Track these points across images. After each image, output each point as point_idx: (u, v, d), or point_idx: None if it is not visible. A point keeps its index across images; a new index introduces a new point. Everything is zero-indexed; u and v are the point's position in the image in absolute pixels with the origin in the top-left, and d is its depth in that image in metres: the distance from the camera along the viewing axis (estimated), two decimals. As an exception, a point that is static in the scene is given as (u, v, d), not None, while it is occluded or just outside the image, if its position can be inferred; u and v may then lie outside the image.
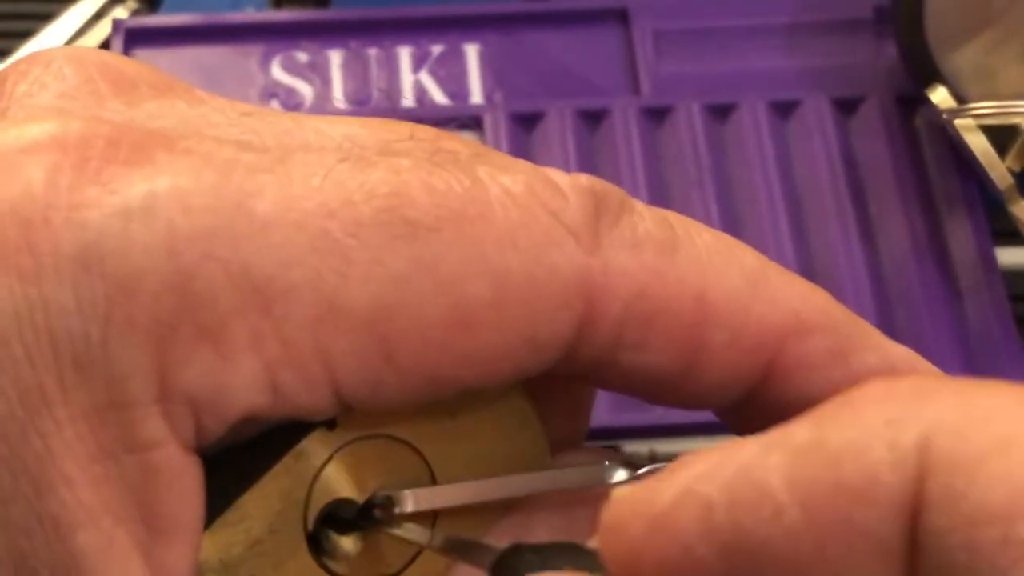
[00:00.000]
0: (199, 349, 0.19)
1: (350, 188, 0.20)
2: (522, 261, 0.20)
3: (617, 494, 0.17)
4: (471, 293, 0.20)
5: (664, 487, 0.17)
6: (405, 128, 0.22)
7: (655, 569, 0.17)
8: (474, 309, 0.20)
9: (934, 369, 0.22)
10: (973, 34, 0.43)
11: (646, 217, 0.21)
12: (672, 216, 0.22)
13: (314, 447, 0.21)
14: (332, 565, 0.21)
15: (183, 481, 0.19)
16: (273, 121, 0.21)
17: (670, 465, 0.17)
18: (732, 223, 0.42)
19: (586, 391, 0.25)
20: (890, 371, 0.21)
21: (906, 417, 0.15)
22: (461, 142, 0.22)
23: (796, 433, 0.16)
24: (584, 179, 0.21)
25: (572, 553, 0.19)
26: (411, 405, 0.20)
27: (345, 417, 0.21)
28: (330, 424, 0.21)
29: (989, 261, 0.42)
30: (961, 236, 0.42)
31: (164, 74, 0.22)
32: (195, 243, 0.19)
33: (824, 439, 0.16)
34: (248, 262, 0.19)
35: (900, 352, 0.22)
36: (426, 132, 0.22)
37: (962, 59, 0.43)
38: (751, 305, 0.21)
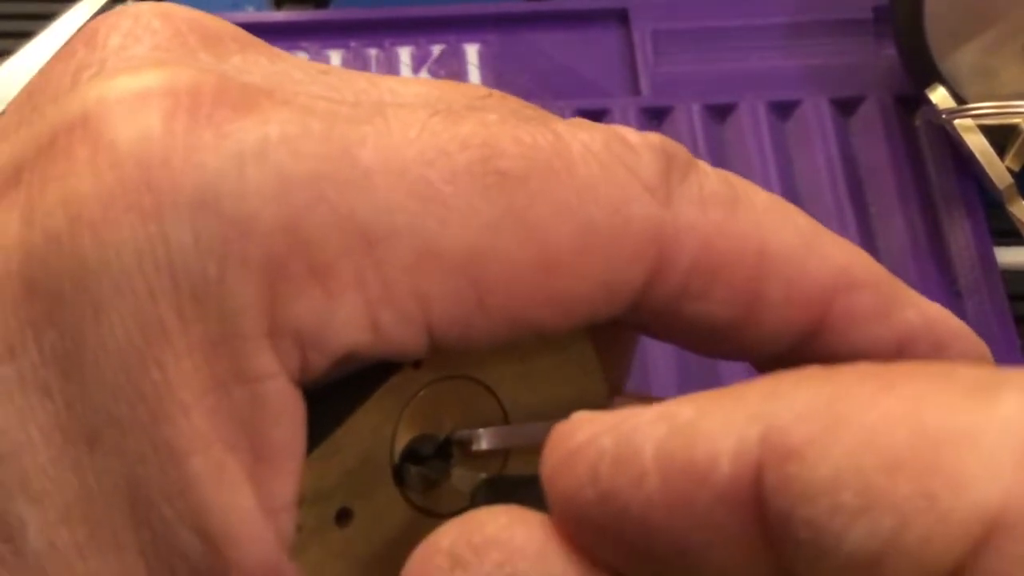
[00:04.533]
0: (307, 287, 0.20)
1: (444, 139, 0.20)
2: (602, 212, 0.21)
3: (556, 427, 0.19)
4: (556, 240, 0.21)
5: (581, 428, 0.18)
6: (482, 89, 0.23)
7: (557, 501, 0.18)
8: (558, 255, 0.21)
9: (967, 328, 0.23)
10: (973, 34, 0.43)
11: (711, 175, 0.22)
12: (732, 176, 0.23)
13: (401, 385, 0.22)
14: (414, 498, 0.22)
15: (289, 413, 0.20)
16: (350, 79, 0.22)
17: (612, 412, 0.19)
18: (732, 223, 0.42)
19: (631, 342, 0.26)
20: (928, 327, 0.23)
21: (761, 412, 0.17)
22: (533, 106, 0.24)
23: (682, 411, 0.17)
24: (655, 137, 0.22)
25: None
26: (491, 347, 0.21)
27: (429, 359, 0.22)
28: (416, 365, 0.22)
29: (989, 261, 0.42)
30: (960, 236, 0.43)
31: (242, 30, 0.23)
32: (305, 186, 0.20)
33: (697, 421, 0.17)
34: (353, 206, 0.20)
35: (936, 310, 0.23)
36: (503, 93, 0.23)
37: (962, 59, 0.43)
38: (805, 260, 0.22)
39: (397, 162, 0.20)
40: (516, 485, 0.20)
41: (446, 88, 0.23)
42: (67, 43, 0.22)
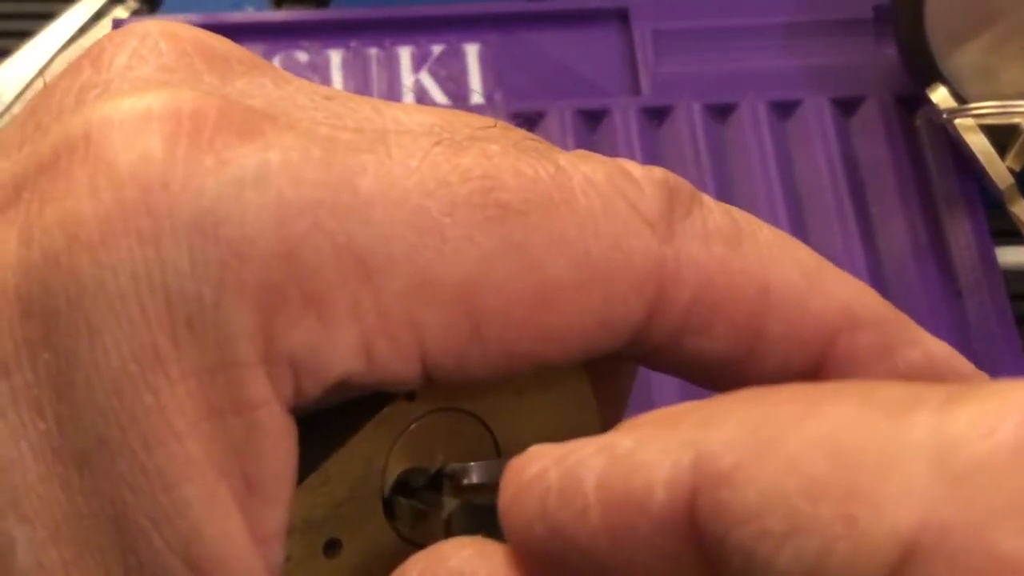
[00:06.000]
0: (303, 314, 0.20)
1: (445, 170, 0.20)
2: (601, 247, 0.21)
3: (511, 461, 0.19)
4: (554, 274, 0.21)
5: (532, 462, 0.19)
6: (487, 119, 0.23)
7: (512, 535, 0.19)
8: (556, 289, 0.21)
9: (971, 366, 0.23)
10: (973, 34, 0.43)
11: (714, 210, 0.22)
12: (736, 211, 0.23)
13: (394, 416, 0.22)
14: (403, 530, 0.22)
15: (282, 441, 0.20)
16: (354, 107, 0.22)
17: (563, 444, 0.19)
18: (732, 223, 0.42)
19: (630, 374, 0.26)
20: (931, 366, 0.23)
21: (693, 439, 0.17)
22: (536, 137, 0.23)
23: (621, 442, 0.18)
24: (658, 171, 0.22)
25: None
26: (486, 379, 0.21)
27: (423, 390, 0.22)
28: (409, 396, 0.22)
29: (989, 261, 0.42)
30: (961, 236, 0.43)
31: (249, 52, 0.23)
32: (304, 214, 0.20)
33: (634, 451, 0.17)
34: (351, 234, 0.20)
35: (941, 348, 0.23)
36: (506, 125, 0.23)
37: (962, 59, 0.43)
38: (808, 298, 0.22)
39: (397, 191, 0.20)
40: (492, 511, 0.20)
41: (450, 117, 0.23)
42: (74, 61, 0.22)
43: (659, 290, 0.21)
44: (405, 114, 0.22)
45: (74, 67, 0.22)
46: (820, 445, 0.16)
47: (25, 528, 0.19)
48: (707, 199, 0.22)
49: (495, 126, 0.23)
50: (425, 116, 0.22)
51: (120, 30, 0.22)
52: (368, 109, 0.22)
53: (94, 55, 0.22)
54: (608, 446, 0.18)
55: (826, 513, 0.16)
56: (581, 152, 0.22)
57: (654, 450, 0.17)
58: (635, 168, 0.22)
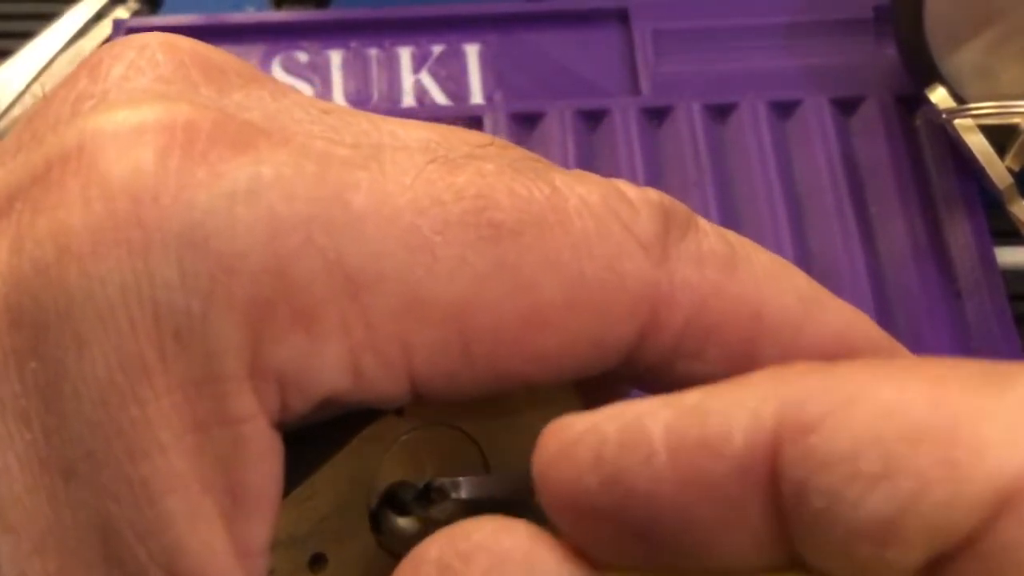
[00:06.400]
0: (292, 329, 0.20)
1: (439, 188, 0.20)
2: (595, 268, 0.21)
3: (547, 426, 0.19)
4: (546, 295, 0.21)
5: (579, 420, 0.19)
6: (485, 137, 0.23)
7: (554, 493, 0.18)
8: (547, 310, 0.21)
9: None
10: (973, 34, 0.43)
11: (710, 234, 0.22)
12: (731, 235, 0.23)
13: (382, 432, 0.22)
14: (390, 544, 0.22)
15: (268, 456, 0.20)
16: (351, 121, 0.22)
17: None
18: (732, 223, 0.42)
19: (621, 395, 0.26)
20: None
21: (775, 392, 0.17)
22: (535, 156, 0.23)
23: (688, 396, 0.18)
24: (654, 194, 0.22)
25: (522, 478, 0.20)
26: (475, 398, 0.21)
27: (412, 406, 0.22)
28: (398, 412, 0.22)
29: (989, 261, 0.42)
30: (961, 236, 0.43)
31: (247, 64, 0.23)
32: (296, 229, 0.20)
33: (705, 402, 0.18)
34: (342, 250, 0.20)
35: None
36: (504, 143, 0.23)
37: (962, 59, 0.43)
38: (803, 325, 0.22)
39: (389, 209, 0.20)
40: (493, 510, 0.20)
41: (448, 133, 0.23)
42: (72, 72, 0.22)
43: (652, 313, 0.21)
44: (403, 129, 0.22)
45: (71, 77, 0.22)
46: (918, 396, 0.16)
47: (9, 538, 0.19)
48: (703, 222, 0.22)
49: (492, 144, 0.23)
50: (422, 132, 0.22)
51: (118, 41, 0.22)
52: (365, 123, 0.22)
53: (91, 65, 0.22)
54: (671, 401, 0.18)
55: (925, 456, 0.16)
56: (577, 172, 0.22)
57: (727, 402, 0.17)
58: (631, 190, 0.22)
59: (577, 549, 0.19)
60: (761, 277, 0.22)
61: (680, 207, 0.22)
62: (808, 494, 0.16)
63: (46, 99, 0.22)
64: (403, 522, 0.22)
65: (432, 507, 0.22)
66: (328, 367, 0.20)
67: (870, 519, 0.16)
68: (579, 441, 0.18)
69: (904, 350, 0.23)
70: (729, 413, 0.17)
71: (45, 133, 0.21)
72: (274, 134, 0.21)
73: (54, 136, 0.20)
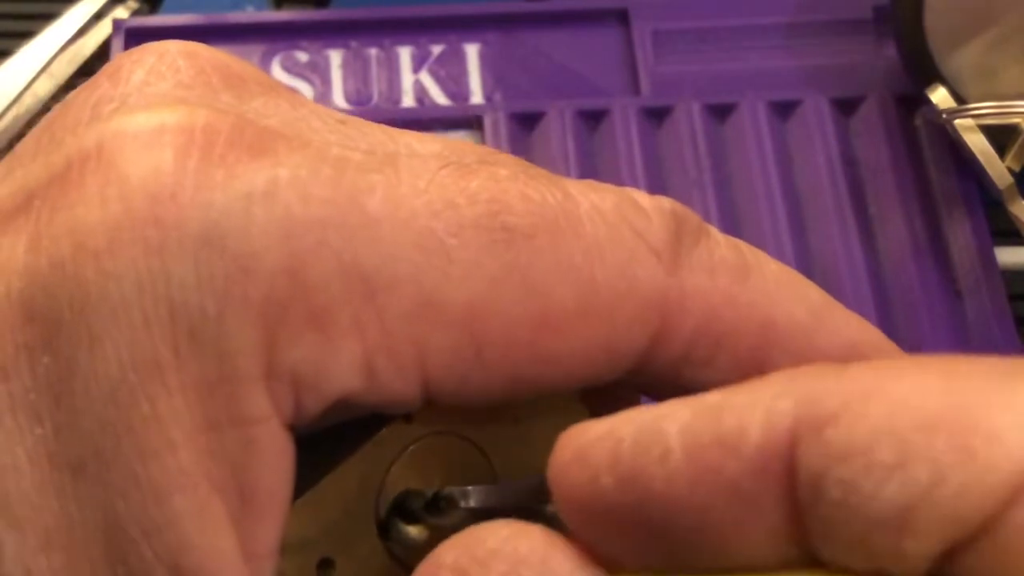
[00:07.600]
0: (306, 330, 0.20)
1: (453, 192, 0.21)
2: (607, 274, 0.21)
3: (563, 433, 0.19)
4: (559, 300, 0.21)
5: (593, 426, 0.18)
6: (495, 150, 0.23)
7: (569, 496, 0.18)
8: (560, 315, 0.21)
9: None
10: (973, 34, 0.43)
11: (721, 243, 0.22)
12: (743, 244, 0.23)
13: (391, 438, 0.22)
14: (397, 551, 0.22)
15: (279, 458, 0.20)
16: (367, 131, 0.22)
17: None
18: (732, 223, 0.42)
19: (631, 404, 0.26)
20: None
21: (790, 390, 0.17)
22: (544, 171, 0.24)
23: (707, 396, 0.18)
24: (667, 202, 0.22)
25: (538, 484, 0.20)
26: (485, 404, 0.21)
27: (421, 413, 0.22)
28: (407, 418, 0.22)
29: (989, 261, 0.42)
30: (961, 236, 0.43)
31: (266, 74, 0.23)
32: (311, 231, 0.20)
33: (723, 402, 0.17)
34: (357, 253, 0.20)
35: None
36: (515, 158, 0.23)
37: (962, 59, 0.43)
38: (813, 335, 0.22)
39: (404, 212, 0.20)
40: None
41: (461, 145, 0.23)
42: (93, 77, 0.22)
43: (663, 320, 0.21)
44: (417, 141, 0.22)
45: (92, 82, 0.22)
46: (933, 388, 0.16)
47: (15, 534, 0.19)
48: (714, 231, 0.23)
49: (503, 154, 0.23)
50: (436, 145, 0.23)
51: (139, 48, 0.22)
52: (380, 134, 0.22)
53: (112, 70, 0.22)
54: (688, 402, 0.18)
55: (942, 444, 0.16)
56: (590, 181, 0.22)
57: (744, 400, 0.17)
58: (643, 198, 0.22)
59: (592, 552, 0.19)
60: (772, 287, 0.22)
61: (692, 215, 0.22)
62: (825, 487, 0.16)
63: (65, 103, 0.22)
64: (412, 530, 0.22)
65: (441, 515, 0.23)
66: (342, 368, 0.20)
67: (887, 509, 0.16)
68: (595, 443, 0.18)
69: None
70: (744, 411, 0.17)
71: (64, 135, 0.21)
72: (292, 139, 0.21)
73: (74, 137, 0.21)
